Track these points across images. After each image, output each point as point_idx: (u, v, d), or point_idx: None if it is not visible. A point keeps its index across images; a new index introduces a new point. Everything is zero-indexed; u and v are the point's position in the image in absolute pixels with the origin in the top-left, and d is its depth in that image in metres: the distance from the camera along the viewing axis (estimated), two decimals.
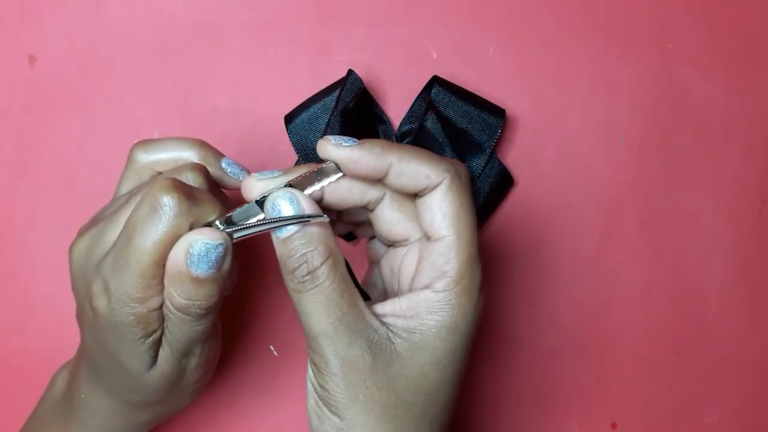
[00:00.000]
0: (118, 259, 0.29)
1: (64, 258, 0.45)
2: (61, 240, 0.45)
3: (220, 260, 0.29)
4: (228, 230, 0.29)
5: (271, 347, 0.45)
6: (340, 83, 0.42)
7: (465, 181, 0.30)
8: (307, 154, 0.42)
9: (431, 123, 0.42)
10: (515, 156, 0.45)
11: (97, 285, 0.30)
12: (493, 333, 0.45)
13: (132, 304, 0.29)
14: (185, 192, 0.29)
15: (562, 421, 0.45)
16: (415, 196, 0.31)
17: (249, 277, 0.44)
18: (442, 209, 0.29)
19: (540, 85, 0.45)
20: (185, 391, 0.34)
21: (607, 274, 0.45)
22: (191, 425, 0.45)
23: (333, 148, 0.30)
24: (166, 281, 0.29)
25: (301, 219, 0.29)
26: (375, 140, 0.30)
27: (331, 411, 0.29)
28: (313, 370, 0.30)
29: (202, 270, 0.28)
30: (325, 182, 0.31)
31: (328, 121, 0.41)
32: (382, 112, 0.44)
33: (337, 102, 0.41)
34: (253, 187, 0.30)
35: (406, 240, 0.32)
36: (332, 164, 0.31)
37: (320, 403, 0.30)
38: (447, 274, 0.29)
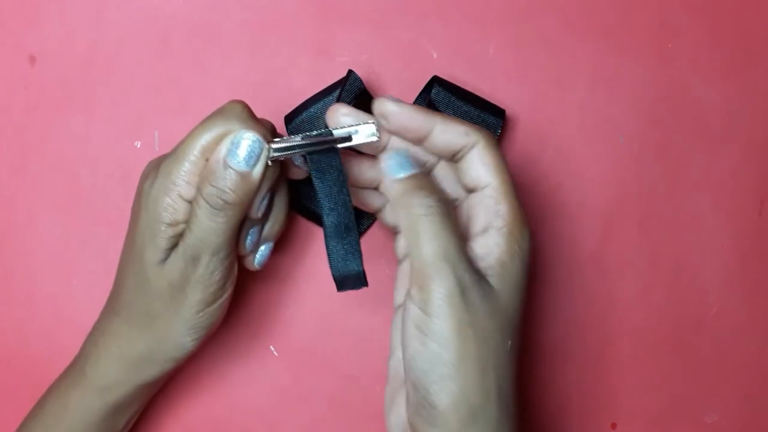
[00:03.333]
0: (176, 147, 0.35)
1: (64, 258, 0.45)
2: (61, 240, 0.45)
3: (255, 157, 0.34)
4: (271, 140, 0.34)
5: (271, 347, 0.45)
6: (340, 83, 0.42)
7: (496, 141, 0.35)
8: None
9: None
10: (515, 156, 0.45)
11: (153, 170, 0.35)
12: None
13: (171, 186, 0.34)
14: (249, 108, 0.35)
15: (562, 421, 0.45)
16: (455, 164, 0.36)
17: (249, 277, 0.44)
18: (484, 161, 0.34)
19: (540, 85, 0.45)
20: (182, 316, 0.36)
21: (607, 274, 0.45)
22: (191, 424, 0.45)
23: (391, 102, 0.35)
24: (203, 173, 0.34)
25: (342, 139, 0.34)
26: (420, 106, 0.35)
27: (426, 316, 0.32)
28: (417, 294, 0.32)
29: (236, 160, 0.33)
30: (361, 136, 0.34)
31: None
32: None
33: (338, 102, 0.41)
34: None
35: (455, 201, 0.37)
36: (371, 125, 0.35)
37: (420, 320, 0.32)
38: (500, 213, 0.34)
